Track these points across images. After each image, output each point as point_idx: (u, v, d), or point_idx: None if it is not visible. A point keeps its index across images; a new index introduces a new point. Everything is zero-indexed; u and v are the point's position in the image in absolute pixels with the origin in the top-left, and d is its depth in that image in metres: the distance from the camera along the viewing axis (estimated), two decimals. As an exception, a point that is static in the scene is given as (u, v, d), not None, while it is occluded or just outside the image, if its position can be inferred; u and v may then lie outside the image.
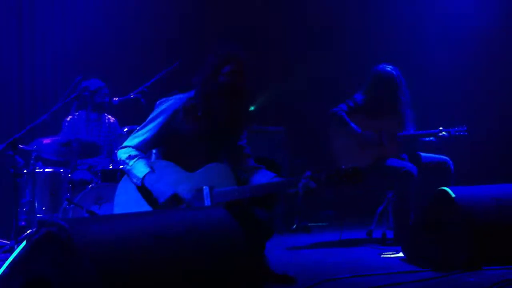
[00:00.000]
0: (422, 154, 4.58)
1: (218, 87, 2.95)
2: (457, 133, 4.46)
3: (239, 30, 6.56)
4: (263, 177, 3.00)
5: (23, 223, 4.57)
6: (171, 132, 3.01)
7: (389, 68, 4.56)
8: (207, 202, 2.87)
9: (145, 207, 2.87)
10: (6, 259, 1.97)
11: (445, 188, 3.26)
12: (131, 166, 2.89)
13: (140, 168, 2.87)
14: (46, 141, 4.68)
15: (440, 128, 4.48)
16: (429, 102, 5.83)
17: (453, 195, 3.16)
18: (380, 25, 6.56)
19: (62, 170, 4.76)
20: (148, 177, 2.84)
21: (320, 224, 6.12)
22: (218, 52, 3.01)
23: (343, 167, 2.90)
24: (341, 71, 6.52)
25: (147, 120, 3.04)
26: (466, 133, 4.46)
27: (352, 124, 4.47)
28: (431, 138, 4.53)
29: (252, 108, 3.17)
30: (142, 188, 2.87)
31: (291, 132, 6.25)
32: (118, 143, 4.54)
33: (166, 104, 3.04)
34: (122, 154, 2.96)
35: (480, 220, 3.07)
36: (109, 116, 5.34)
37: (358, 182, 2.87)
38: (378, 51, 6.01)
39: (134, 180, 2.88)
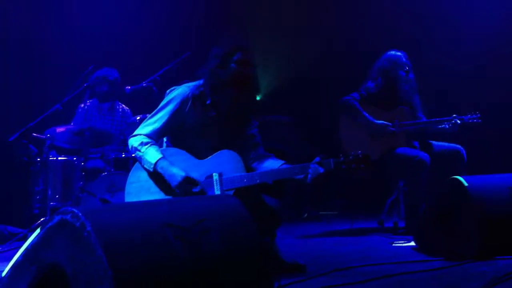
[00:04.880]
0: (434, 142, 4.54)
1: (229, 76, 2.95)
2: (470, 121, 4.42)
3: (249, 20, 6.55)
4: (272, 164, 3.01)
5: (36, 211, 4.62)
6: (181, 120, 3.03)
7: (400, 52, 4.53)
8: (217, 188, 2.88)
9: (156, 194, 2.89)
10: (20, 247, 1.99)
11: (458, 177, 3.24)
12: (143, 152, 2.92)
13: (152, 154, 2.89)
14: (60, 129, 4.71)
15: (454, 115, 4.45)
16: (442, 91, 5.79)
17: (466, 184, 3.14)
18: (391, 15, 6.50)
19: (75, 158, 4.80)
20: (160, 163, 2.87)
21: (330, 213, 6.13)
22: (226, 41, 3.01)
23: (352, 153, 2.90)
24: (350, 61, 6.48)
25: (157, 109, 3.06)
26: (479, 121, 4.42)
27: (365, 114, 4.44)
28: (444, 125, 4.49)
29: (258, 97, 3.17)
30: (154, 174, 2.89)
31: (299, 122, 6.23)
32: (130, 132, 4.56)
33: (175, 93, 3.05)
34: (133, 141, 2.99)
35: (493, 209, 3.04)
36: (123, 105, 5.37)
37: (366, 167, 2.87)
38: (388, 40, 5.95)
39: (146, 166, 2.90)
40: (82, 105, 5.26)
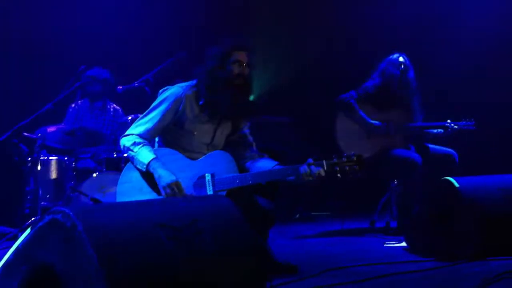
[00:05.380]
0: (430, 145, 4.57)
1: (229, 76, 2.95)
2: (465, 127, 4.47)
3: (245, 21, 6.54)
4: (265, 164, 3.01)
5: (27, 210, 4.59)
6: (173, 120, 3.02)
7: (398, 54, 4.55)
8: (209, 189, 2.88)
9: (148, 194, 2.88)
10: (10, 247, 1.98)
11: (449, 178, 3.25)
12: (135, 152, 2.90)
13: (145, 154, 2.88)
14: (51, 129, 4.69)
15: (448, 121, 4.48)
16: (437, 95, 5.80)
17: (457, 185, 3.16)
18: (392, 15, 6.51)
19: (66, 158, 4.77)
20: (153, 163, 2.85)
21: (323, 213, 6.13)
22: (226, 41, 3.01)
23: (344, 154, 2.90)
24: (348, 61, 6.49)
25: (149, 109, 3.05)
26: (473, 128, 4.46)
27: (361, 113, 4.45)
28: (439, 130, 4.52)
29: (251, 97, 3.18)
30: (146, 174, 2.88)
31: (298, 122, 6.23)
32: (121, 132, 4.54)
33: (168, 92, 3.04)
34: (126, 141, 2.97)
35: (484, 210, 3.06)
36: (114, 105, 5.35)
37: (360, 169, 2.86)
38: (388, 41, 5.95)
39: (139, 166, 2.88)
40: (73, 105, 5.23)
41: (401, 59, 4.52)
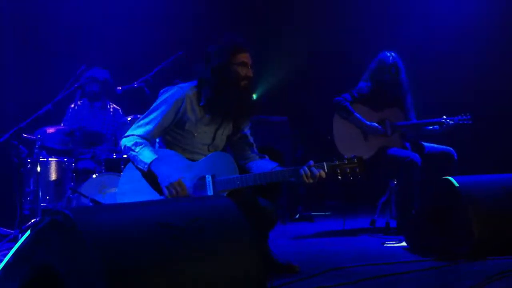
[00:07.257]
0: (426, 144, 4.57)
1: (233, 78, 2.94)
2: (461, 122, 4.46)
3: (244, 21, 6.55)
4: (265, 165, 3.01)
5: (27, 212, 4.59)
6: (174, 121, 3.01)
7: (388, 53, 4.55)
8: (209, 190, 2.88)
9: (149, 195, 2.87)
10: (11, 248, 1.98)
11: (449, 177, 3.26)
12: (137, 152, 2.89)
13: (147, 155, 2.87)
14: (50, 130, 4.68)
15: (444, 116, 4.48)
16: (433, 91, 5.81)
17: (457, 184, 3.16)
18: (390, 16, 6.51)
19: (66, 159, 4.77)
20: (155, 163, 2.85)
21: (323, 213, 6.14)
22: (227, 42, 3.00)
23: (345, 156, 2.90)
24: (344, 61, 6.50)
25: (150, 109, 3.04)
26: (470, 122, 4.46)
27: (356, 114, 4.46)
28: (435, 126, 4.53)
29: (253, 97, 3.18)
30: (148, 174, 2.87)
31: (294, 122, 6.24)
32: (121, 132, 4.54)
33: (168, 93, 3.03)
34: (127, 141, 2.96)
35: (483, 209, 3.06)
36: (114, 105, 5.34)
37: (360, 171, 2.87)
38: (386, 41, 5.96)
39: (140, 166, 2.88)
40: (73, 105, 5.22)
41: (391, 59, 4.51)
